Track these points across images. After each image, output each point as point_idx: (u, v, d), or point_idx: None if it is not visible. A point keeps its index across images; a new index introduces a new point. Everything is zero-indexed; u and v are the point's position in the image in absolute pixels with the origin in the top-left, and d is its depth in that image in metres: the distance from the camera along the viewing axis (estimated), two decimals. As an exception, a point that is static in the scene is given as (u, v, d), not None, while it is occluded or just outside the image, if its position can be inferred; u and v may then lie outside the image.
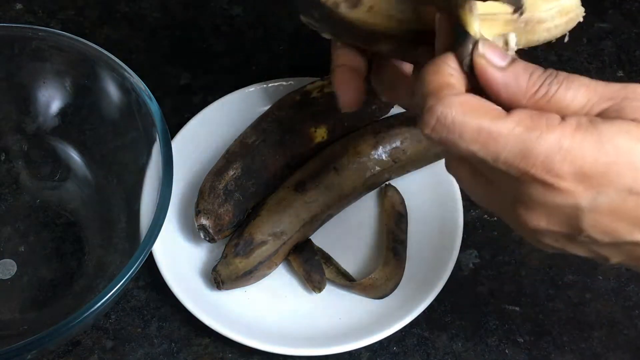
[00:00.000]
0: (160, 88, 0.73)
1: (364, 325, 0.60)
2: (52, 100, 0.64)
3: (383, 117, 0.69)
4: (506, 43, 0.43)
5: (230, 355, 0.61)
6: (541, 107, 0.40)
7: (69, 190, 0.62)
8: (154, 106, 0.60)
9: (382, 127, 0.66)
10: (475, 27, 0.41)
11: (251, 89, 0.71)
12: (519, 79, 0.40)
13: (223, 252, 0.62)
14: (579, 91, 0.40)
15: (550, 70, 0.41)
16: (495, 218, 0.68)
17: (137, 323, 0.62)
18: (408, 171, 0.67)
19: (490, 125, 0.39)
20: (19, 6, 0.79)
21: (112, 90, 0.63)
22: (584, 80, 0.40)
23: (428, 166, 0.68)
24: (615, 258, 0.42)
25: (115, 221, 0.63)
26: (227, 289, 0.62)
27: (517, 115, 0.39)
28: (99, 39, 0.77)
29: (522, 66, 0.41)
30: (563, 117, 0.39)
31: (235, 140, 0.66)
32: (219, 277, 0.61)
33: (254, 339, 0.59)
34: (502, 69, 0.40)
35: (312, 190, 0.64)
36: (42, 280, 0.62)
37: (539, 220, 0.41)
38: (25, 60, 0.64)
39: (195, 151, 0.68)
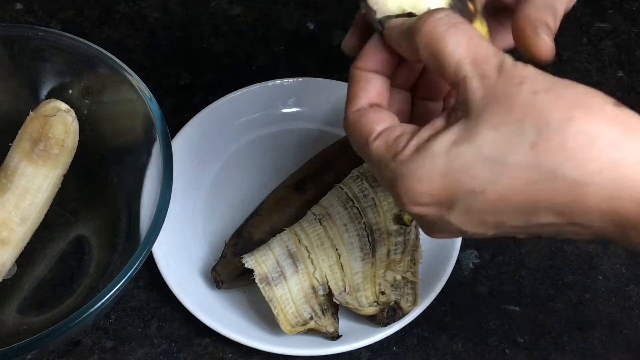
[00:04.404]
0: (160, 88, 0.73)
1: (364, 326, 0.60)
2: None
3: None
4: None
5: (230, 355, 0.61)
6: None
7: (69, 190, 0.62)
8: (154, 106, 0.60)
9: (382, 127, 0.66)
10: None
11: (251, 89, 0.71)
12: None
13: (222, 251, 0.62)
14: None
15: None
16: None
17: (137, 323, 0.62)
18: (408, 171, 0.67)
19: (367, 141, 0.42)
20: (19, 6, 0.79)
21: (112, 90, 0.63)
22: None
23: (428, 166, 0.68)
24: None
25: (115, 221, 0.63)
26: (226, 288, 0.62)
27: (383, 135, 0.42)
28: (99, 39, 0.77)
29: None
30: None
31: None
32: (218, 277, 0.61)
33: (254, 339, 0.59)
34: None
35: (311, 190, 0.63)
36: (42, 280, 0.62)
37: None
38: (25, 60, 0.64)
39: (195, 151, 0.68)
